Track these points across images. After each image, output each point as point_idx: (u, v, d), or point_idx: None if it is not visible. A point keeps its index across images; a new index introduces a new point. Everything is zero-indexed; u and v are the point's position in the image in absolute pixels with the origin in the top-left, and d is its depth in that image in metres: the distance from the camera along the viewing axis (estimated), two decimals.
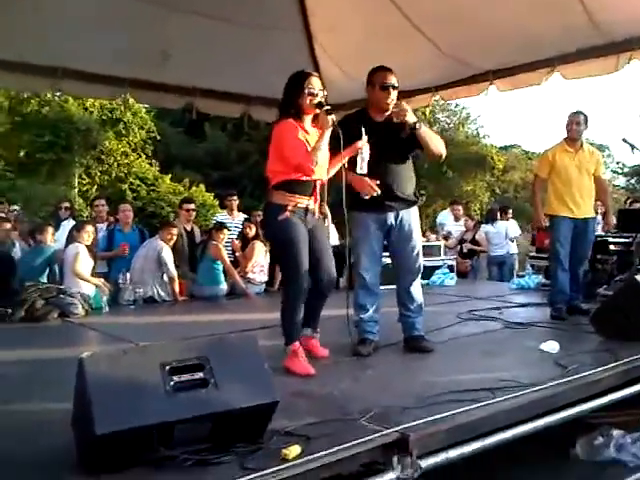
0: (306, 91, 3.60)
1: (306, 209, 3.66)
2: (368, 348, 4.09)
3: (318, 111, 3.63)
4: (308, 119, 3.71)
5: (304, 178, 3.60)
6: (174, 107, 8.78)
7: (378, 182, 3.93)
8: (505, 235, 9.64)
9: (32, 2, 5.87)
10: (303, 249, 3.59)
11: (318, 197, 3.78)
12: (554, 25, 5.69)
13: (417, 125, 3.99)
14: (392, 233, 4.19)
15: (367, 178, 3.91)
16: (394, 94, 4.10)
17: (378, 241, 4.21)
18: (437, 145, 4.17)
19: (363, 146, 3.80)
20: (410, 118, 3.98)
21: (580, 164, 5.39)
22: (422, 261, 4.31)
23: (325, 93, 3.69)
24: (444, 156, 4.26)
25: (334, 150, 3.70)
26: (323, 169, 3.72)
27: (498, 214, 10.03)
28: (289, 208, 3.58)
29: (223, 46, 6.98)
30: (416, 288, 4.26)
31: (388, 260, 4.42)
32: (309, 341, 3.85)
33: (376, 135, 4.00)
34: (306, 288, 3.62)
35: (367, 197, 3.94)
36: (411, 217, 4.20)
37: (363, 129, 3.84)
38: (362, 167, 3.83)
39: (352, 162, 3.88)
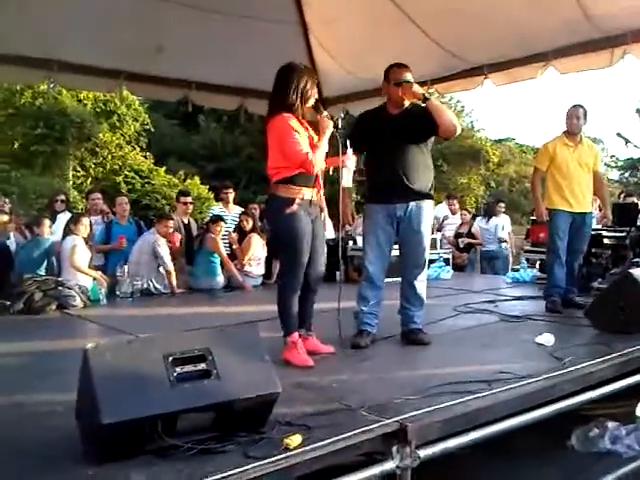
0: (300, 89, 3.61)
1: (310, 201, 3.68)
2: (366, 340, 4.14)
3: (315, 111, 3.69)
4: (300, 114, 3.71)
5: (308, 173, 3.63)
6: (170, 100, 8.81)
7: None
8: (495, 232, 9.66)
9: None
10: (307, 243, 3.63)
11: (321, 187, 3.80)
12: (549, 19, 5.71)
13: (427, 95, 4.08)
14: (401, 225, 4.20)
15: (348, 212, 4.22)
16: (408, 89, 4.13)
17: (386, 234, 4.23)
18: (450, 117, 4.16)
19: (348, 158, 3.82)
20: (418, 90, 4.05)
21: (580, 158, 5.40)
22: (428, 256, 4.32)
23: (315, 90, 3.71)
24: (458, 131, 4.19)
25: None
26: (322, 160, 3.75)
27: (496, 210, 10.07)
28: (297, 201, 3.59)
29: (218, 38, 6.99)
30: (420, 282, 4.28)
31: (397, 252, 4.44)
32: (307, 341, 3.81)
33: (391, 128, 4.10)
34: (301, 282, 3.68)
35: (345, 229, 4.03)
36: (421, 211, 4.18)
37: (348, 142, 3.84)
38: (348, 181, 3.88)
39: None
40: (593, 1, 5.39)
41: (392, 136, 4.08)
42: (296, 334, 3.67)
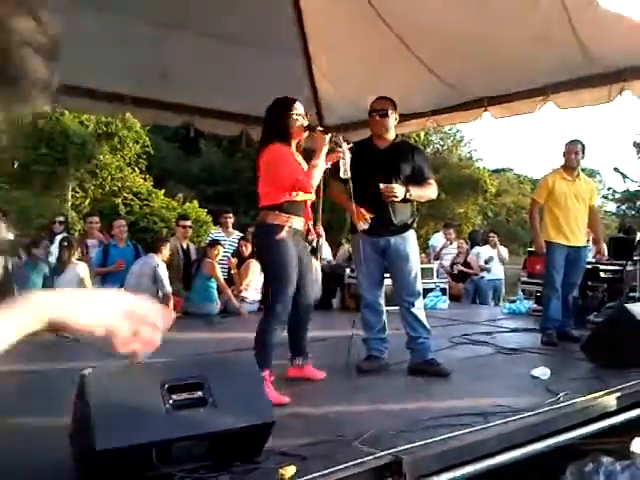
0: (294, 116, 3.68)
1: (299, 230, 3.70)
2: (371, 364, 4.24)
3: (306, 134, 3.73)
4: (293, 144, 3.77)
5: (297, 198, 3.63)
6: (172, 125, 8.85)
7: (371, 216, 4.11)
8: (478, 260, 9.66)
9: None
10: (294, 272, 3.61)
11: (311, 216, 3.84)
12: (548, 55, 5.79)
13: (408, 195, 4.16)
14: (388, 256, 4.30)
15: (362, 209, 4.11)
16: (384, 120, 4.28)
17: (375, 262, 4.32)
18: (429, 197, 4.43)
19: (344, 152, 3.86)
20: (399, 195, 4.12)
21: (577, 192, 5.48)
22: (421, 284, 4.38)
23: (310, 115, 3.87)
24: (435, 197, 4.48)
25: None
26: (318, 179, 3.76)
27: (480, 239, 10.08)
28: (285, 229, 3.59)
29: (222, 66, 7.05)
30: (419, 310, 4.32)
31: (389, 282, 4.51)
32: (303, 369, 3.85)
33: (375, 162, 4.19)
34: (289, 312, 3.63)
35: (363, 228, 4.06)
36: (406, 241, 4.29)
37: (341, 137, 3.95)
38: (345, 172, 3.88)
39: (335, 171, 3.98)
40: (592, 38, 5.47)
41: (377, 170, 4.18)
42: (268, 371, 3.46)
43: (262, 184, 3.69)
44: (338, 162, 3.88)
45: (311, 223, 3.85)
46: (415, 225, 4.43)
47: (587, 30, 5.38)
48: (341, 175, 3.91)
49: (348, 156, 3.87)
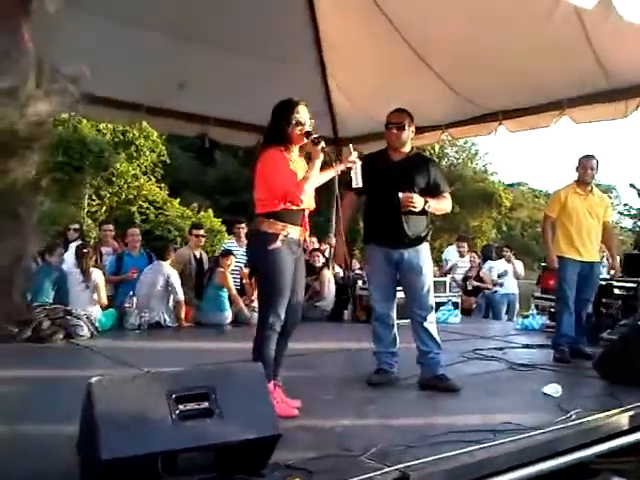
0: (294, 120, 3.49)
1: (295, 239, 3.52)
2: (380, 378, 4.22)
3: (306, 140, 3.52)
4: (296, 149, 3.59)
5: (293, 207, 3.47)
6: (188, 134, 8.90)
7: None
8: (490, 274, 9.59)
9: (51, 28, 6.01)
10: (288, 283, 3.47)
11: (307, 226, 3.65)
12: (564, 69, 5.77)
13: (426, 206, 4.15)
14: (401, 269, 4.27)
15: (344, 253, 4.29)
16: (401, 133, 4.26)
17: (387, 274, 4.30)
18: (445, 210, 4.42)
19: (354, 162, 3.76)
20: (418, 206, 4.10)
21: (590, 207, 5.42)
22: (433, 298, 4.34)
23: (312, 121, 3.57)
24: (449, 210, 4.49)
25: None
26: (311, 198, 3.57)
27: (493, 253, 10.02)
28: (280, 238, 3.44)
29: (238, 76, 7.10)
30: (430, 324, 4.28)
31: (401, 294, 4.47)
32: (272, 394, 3.23)
33: (390, 174, 4.19)
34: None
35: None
36: (419, 254, 4.24)
37: (351, 146, 3.90)
38: (357, 182, 3.82)
39: (348, 184, 3.92)
40: (608, 52, 5.45)
41: (391, 183, 4.16)
42: (271, 383, 3.30)
43: (257, 190, 3.54)
44: (349, 172, 3.81)
45: (307, 233, 3.66)
46: (429, 238, 4.39)
47: (603, 44, 5.37)
48: (353, 185, 3.86)
49: (359, 166, 3.80)
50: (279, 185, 3.42)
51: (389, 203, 4.11)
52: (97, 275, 6.23)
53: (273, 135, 3.56)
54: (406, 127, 4.27)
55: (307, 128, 3.51)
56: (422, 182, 4.23)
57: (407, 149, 4.33)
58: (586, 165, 5.46)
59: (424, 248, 4.30)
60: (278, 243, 3.42)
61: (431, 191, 4.25)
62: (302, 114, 3.51)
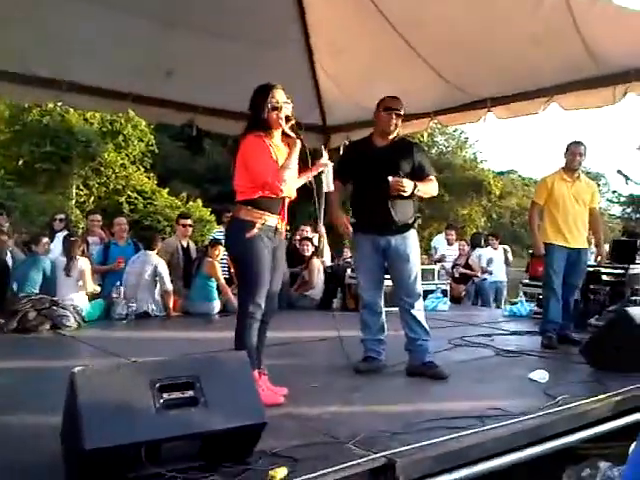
0: (269, 105, 3.42)
1: (274, 228, 3.48)
2: (368, 365, 4.22)
3: (286, 126, 3.46)
4: (277, 133, 3.52)
5: (272, 196, 3.43)
6: (175, 123, 8.84)
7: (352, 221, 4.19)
8: (479, 263, 9.66)
9: (38, 17, 5.94)
10: (266, 271, 3.42)
11: (286, 216, 3.60)
12: (553, 56, 5.75)
13: (416, 190, 4.13)
14: (389, 256, 4.25)
15: (344, 216, 4.22)
16: (397, 120, 4.23)
17: (375, 262, 4.29)
18: (432, 193, 4.38)
19: (326, 164, 3.71)
20: (408, 190, 4.07)
21: (577, 194, 5.43)
22: (421, 285, 4.34)
23: (291, 106, 3.50)
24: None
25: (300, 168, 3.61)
26: (291, 187, 3.53)
27: (482, 241, 10.08)
28: (257, 226, 3.40)
29: (225, 63, 7.04)
30: (418, 312, 4.27)
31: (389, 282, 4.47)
32: (257, 382, 3.27)
33: (375, 160, 4.15)
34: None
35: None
36: (406, 242, 4.23)
37: (322, 147, 3.84)
38: (328, 186, 3.78)
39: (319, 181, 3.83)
40: (596, 39, 5.43)
41: (376, 168, 4.13)
42: (256, 372, 3.29)
43: (236, 178, 3.49)
44: (320, 175, 3.74)
45: (284, 223, 3.60)
46: (416, 225, 4.37)
47: (592, 31, 5.35)
48: (324, 189, 3.82)
49: (330, 168, 3.74)
50: (258, 174, 3.38)
51: (375, 190, 4.10)
52: (83, 263, 6.17)
53: (252, 121, 3.50)
54: (401, 114, 4.26)
55: (286, 112, 3.45)
56: (407, 167, 4.20)
57: (392, 135, 4.31)
58: (575, 151, 5.45)
59: (411, 235, 4.28)
60: (255, 231, 3.38)
61: (416, 175, 4.22)
62: (278, 98, 3.45)
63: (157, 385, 2.26)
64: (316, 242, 8.41)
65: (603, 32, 5.30)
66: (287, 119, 3.45)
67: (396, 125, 4.25)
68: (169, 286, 6.72)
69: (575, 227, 5.40)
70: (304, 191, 3.71)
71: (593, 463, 3.43)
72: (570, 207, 5.39)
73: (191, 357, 2.66)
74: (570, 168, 5.46)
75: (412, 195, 4.18)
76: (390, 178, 4.02)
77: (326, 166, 3.72)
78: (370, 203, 4.18)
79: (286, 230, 3.76)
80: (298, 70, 7.62)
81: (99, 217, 7.97)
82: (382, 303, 4.39)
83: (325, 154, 3.73)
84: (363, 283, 4.38)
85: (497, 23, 5.73)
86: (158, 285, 6.71)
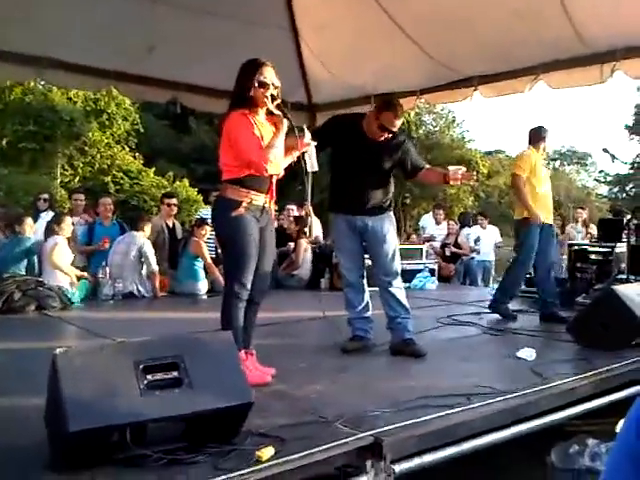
0: (257, 82, 3.30)
1: (262, 207, 3.42)
2: (355, 345, 4.22)
3: (271, 105, 3.35)
4: (262, 112, 3.41)
5: (258, 174, 3.34)
6: (158, 101, 8.73)
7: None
8: (467, 242, 9.71)
9: None
10: (253, 250, 3.36)
11: (274, 194, 3.52)
12: (539, 34, 5.71)
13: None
14: (367, 239, 4.29)
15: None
16: (389, 134, 4.17)
17: (354, 241, 4.31)
18: None
19: (309, 144, 3.58)
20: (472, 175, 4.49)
21: (547, 172, 5.68)
22: (399, 264, 4.33)
23: (279, 87, 3.39)
24: None
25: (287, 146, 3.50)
26: (279, 165, 3.45)
27: (470, 221, 10.13)
28: (244, 204, 3.33)
29: (208, 41, 6.92)
30: (397, 289, 4.27)
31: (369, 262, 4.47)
32: (244, 362, 3.21)
33: (368, 152, 4.15)
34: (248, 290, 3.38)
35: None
36: (383, 222, 4.26)
37: (304, 126, 3.67)
38: (313, 165, 3.66)
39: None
40: (583, 17, 5.39)
41: (366, 160, 4.16)
42: (242, 352, 3.26)
43: (222, 156, 3.40)
44: (303, 155, 3.61)
45: (272, 202, 3.52)
46: (391, 207, 4.41)
47: (578, 9, 5.31)
48: (308, 169, 3.68)
49: (313, 148, 3.61)
50: (243, 151, 3.29)
51: (359, 178, 4.15)
52: (59, 239, 6.03)
53: (237, 97, 3.39)
54: (396, 132, 4.22)
55: (272, 91, 3.35)
56: (393, 164, 4.27)
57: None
58: (546, 137, 5.68)
59: (386, 217, 4.31)
60: (241, 210, 3.31)
61: (413, 172, 4.33)
62: (267, 75, 3.34)
63: (141, 366, 2.23)
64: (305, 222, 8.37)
65: (590, 10, 5.29)
66: (273, 98, 3.36)
67: (386, 139, 4.18)
68: (155, 267, 6.67)
69: (549, 203, 5.62)
70: (291, 170, 3.66)
71: (581, 440, 3.45)
72: (545, 183, 5.57)
73: (174, 337, 2.63)
74: (544, 150, 5.71)
75: (387, 180, 4.26)
76: (451, 170, 4.16)
77: (309, 145, 3.60)
78: (350, 188, 4.21)
79: (275, 210, 3.70)
80: (283, 48, 7.50)
81: (82, 197, 7.87)
82: (364, 281, 4.39)
83: (308, 134, 3.59)
84: (344, 262, 4.39)
85: (484, 1, 5.68)
86: (144, 266, 6.65)
